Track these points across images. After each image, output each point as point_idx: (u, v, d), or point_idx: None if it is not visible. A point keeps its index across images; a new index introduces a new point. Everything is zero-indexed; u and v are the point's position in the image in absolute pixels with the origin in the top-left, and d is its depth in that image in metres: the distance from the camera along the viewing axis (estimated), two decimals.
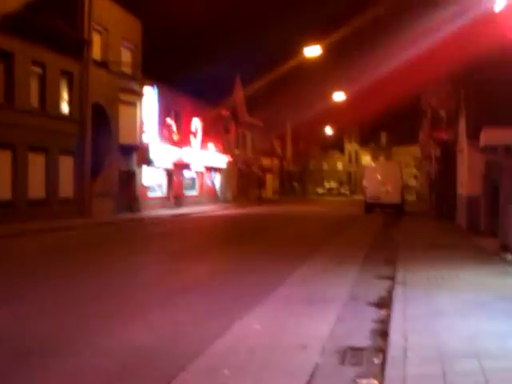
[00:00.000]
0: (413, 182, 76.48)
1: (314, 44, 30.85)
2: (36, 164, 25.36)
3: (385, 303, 8.87)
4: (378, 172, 35.69)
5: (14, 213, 23.60)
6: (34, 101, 25.65)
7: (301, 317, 8.09)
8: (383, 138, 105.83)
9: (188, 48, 47.00)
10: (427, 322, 7.11)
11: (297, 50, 32.87)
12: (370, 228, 24.90)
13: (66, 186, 27.34)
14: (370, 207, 35.21)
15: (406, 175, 52.60)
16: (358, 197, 66.77)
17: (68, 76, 27.74)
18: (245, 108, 57.89)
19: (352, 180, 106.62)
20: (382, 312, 8.35)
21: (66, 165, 27.42)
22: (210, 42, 57.39)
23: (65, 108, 27.87)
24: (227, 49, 56.24)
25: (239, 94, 55.25)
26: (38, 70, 25.73)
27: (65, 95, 27.86)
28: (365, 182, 35.84)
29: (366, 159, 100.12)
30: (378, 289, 10.16)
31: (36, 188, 25.29)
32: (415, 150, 76.89)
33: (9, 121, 23.64)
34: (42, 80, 26.01)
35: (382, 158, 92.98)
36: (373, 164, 42.88)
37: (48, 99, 26.29)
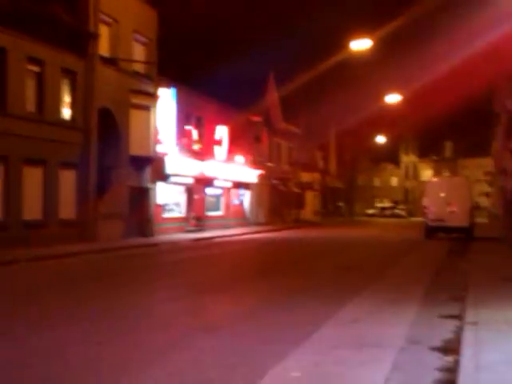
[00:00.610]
0: (484, 202, 75.67)
1: (363, 36, 30.69)
2: (32, 179, 25.67)
3: (451, 348, 8.72)
4: (441, 189, 35.36)
5: (6, 237, 23.86)
6: (30, 105, 26.01)
7: (348, 364, 7.96)
8: (447, 148, 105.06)
9: (212, 43, 47.45)
10: (504, 372, 6.93)
11: (342, 43, 32.85)
12: (431, 257, 24.60)
13: (68, 206, 27.61)
14: (432, 231, 34.87)
15: (475, 193, 52.03)
16: (417, 218, 66.27)
17: (70, 75, 28.14)
18: (280, 113, 58.05)
19: (409, 198, 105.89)
20: (448, 359, 8.20)
21: (68, 180, 27.72)
22: (237, 35, 57.81)
23: (66, 113, 28.23)
24: (258, 43, 56.55)
25: (273, 97, 55.48)
26: (34, 68, 26.13)
27: (66, 98, 28.24)
28: (425, 201, 35.53)
29: (427, 174, 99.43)
30: (443, 330, 10.00)
31: (32, 208, 25.57)
32: (487, 163, 76.21)
33: (0, 128, 24.01)
34: (40, 80, 26.39)
35: (446, 173, 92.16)
36: (435, 179, 42.44)
37: (46, 103, 26.66)
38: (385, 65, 63.22)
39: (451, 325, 10.38)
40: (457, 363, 7.59)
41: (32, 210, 25.56)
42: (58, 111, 27.49)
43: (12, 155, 24.57)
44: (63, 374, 7.49)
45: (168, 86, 35.12)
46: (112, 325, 10.51)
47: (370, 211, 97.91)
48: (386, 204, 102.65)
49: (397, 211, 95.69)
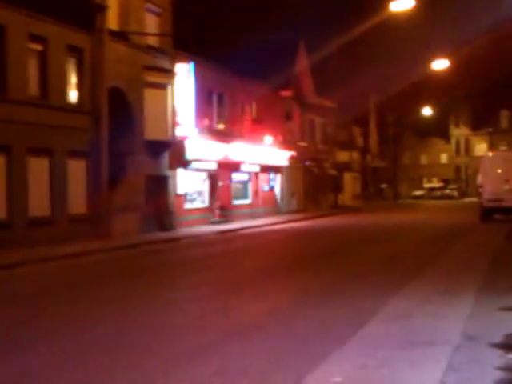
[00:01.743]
0: None
1: None
2: (38, 171, 25.85)
3: None
4: (498, 165, 35.01)
5: (11, 236, 24.07)
6: (33, 88, 26.15)
7: (396, 366, 7.94)
8: (503, 118, 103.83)
9: (233, 10, 47.34)
10: None
11: (380, 2, 32.54)
12: (488, 243, 24.42)
13: (78, 199, 27.77)
14: (488, 213, 34.57)
15: None
16: (471, 199, 65.84)
17: (77, 53, 28.22)
18: (312, 86, 57.82)
19: (462, 177, 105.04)
20: (510, 356, 8.12)
21: (77, 171, 27.86)
22: (262, 1, 57.63)
23: (73, 96, 28.35)
24: (285, 7, 56.31)
25: (303, 68, 55.22)
26: (37, 46, 26.25)
27: (73, 79, 28.34)
28: (480, 179, 35.23)
29: (481, 148, 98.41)
30: (504, 325, 9.92)
31: (39, 203, 25.74)
32: None
33: (0, 115, 24.17)
34: (43, 60, 26.49)
35: (503, 146, 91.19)
36: (491, 154, 42.02)
37: (51, 85, 26.78)
38: (430, 26, 62.68)
39: (511, 318, 10.29)
40: None
41: (39, 205, 25.69)
42: (64, 94, 27.58)
43: (15, 145, 24.71)
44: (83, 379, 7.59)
45: (186, 60, 35.13)
46: (133, 330, 10.59)
47: (418, 193, 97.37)
48: (435, 184, 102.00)
49: (447, 191, 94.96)
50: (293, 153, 50.92)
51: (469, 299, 12.08)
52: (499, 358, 8.17)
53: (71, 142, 27.47)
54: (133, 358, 8.71)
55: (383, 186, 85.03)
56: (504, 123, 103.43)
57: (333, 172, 62.68)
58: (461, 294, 12.64)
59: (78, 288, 16.09)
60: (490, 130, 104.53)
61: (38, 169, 25.85)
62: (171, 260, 22.93)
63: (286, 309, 12.04)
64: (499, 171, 34.45)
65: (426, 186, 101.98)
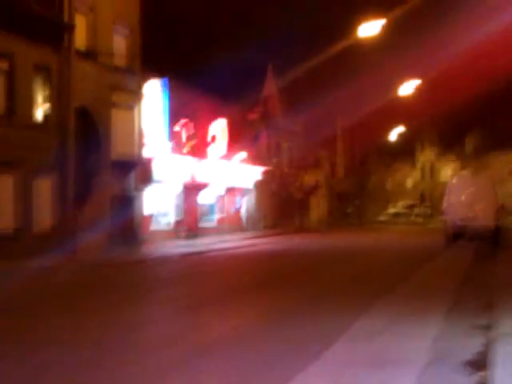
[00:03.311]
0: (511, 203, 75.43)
1: (372, 19, 30.59)
2: (2, 188, 25.67)
3: (483, 363, 8.62)
4: (463, 189, 35.22)
5: None
6: (0, 105, 25.99)
7: None
8: (469, 143, 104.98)
9: (203, 31, 47.44)
10: None
11: (349, 26, 32.81)
12: (455, 265, 24.53)
13: (43, 216, 27.56)
14: (453, 238, 34.69)
15: (501, 194, 51.90)
16: (435, 224, 66.21)
17: (44, 72, 28.14)
18: (280, 108, 58.05)
19: (427, 201, 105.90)
20: (480, 375, 8.12)
21: (43, 188, 27.68)
22: (232, 21, 57.78)
23: (40, 114, 28.20)
24: (255, 30, 56.62)
25: (272, 89, 55.49)
26: (3, 64, 26.13)
27: (40, 97, 28.20)
28: (445, 204, 35.43)
29: (446, 173, 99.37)
30: (473, 343, 9.93)
31: (2, 219, 25.54)
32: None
33: None
34: (10, 77, 26.39)
35: (466, 170, 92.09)
36: (455, 179, 42.33)
37: (18, 103, 26.64)
38: (396, 52, 63.31)
39: (482, 337, 10.30)
40: (489, 380, 7.52)
41: (2, 221, 25.51)
42: (30, 112, 27.47)
43: None
44: None
45: (155, 79, 35.08)
46: (92, 347, 10.42)
47: (383, 217, 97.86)
48: (400, 209, 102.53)
49: (412, 216, 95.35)
50: (260, 175, 50.97)
51: (438, 318, 12.10)
52: (468, 376, 8.17)
53: (37, 160, 27.31)
54: (93, 376, 8.55)
55: (349, 210, 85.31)
56: (469, 148, 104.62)
57: (299, 195, 62.80)
58: (430, 314, 12.65)
59: (41, 305, 15.83)
60: (455, 155, 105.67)
61: (3, 185, 25.70)
62: (136, 279, 22.75)
63: (254, 327, 11.93)
64: (463, 196, 34.66)
65: (391, 210, 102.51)
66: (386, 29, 30.52)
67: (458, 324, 11.54)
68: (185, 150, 39.74)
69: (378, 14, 30.49)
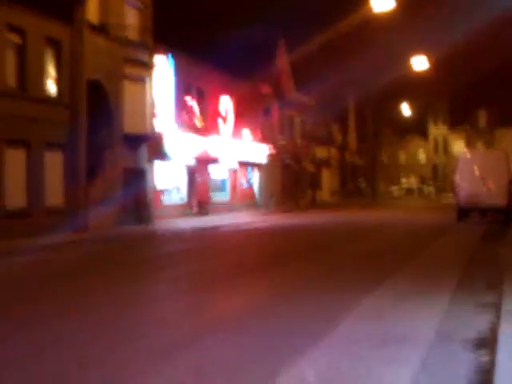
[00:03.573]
0: None
1: None
2: (14, 163, 25.72)
3: (487, 342, 8.65)
4: (475, 164, 35.08)
5: None
6: (11, 79, 26.02)
7: (370, 364, 7.90)
8: (481, 117, 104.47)
9: (213, 4, 47.18)
10: None
11: (361, 1, 32.61)
12: (464, 242, 24.49)
13: (55, 192, 27.65)
14: (465, 213, 34.65)
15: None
16: (448, 199, 66.18)
17: (55, 45, 28.12)
18: (291, 82, 57.83)
19: (439, 176, 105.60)
20: (484, 354, 8.15)
21: (54, 163, 27.75)
22: None
23: (51, 88, 28.21)
24: (267, 3, 56.24)
25: (283, 64, 55.25)
26: (15, 38, 26.11)
27: (51, 71, 28.20)
28: (457, 179, 35.30)
29: (459, 146, 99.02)
30: (478, 322, 9.93)
31: (14, 195, 25.64)
32: None
33: None
34: (21, 52, 26.38)
35: (480, 146, 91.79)
36: (468, 153, 42.18)
37: (29, 77, 26.64)
38: (409, 26, 62.78)
39: (488, 316, 10.29)
40: (493, 359, 7.55)
41: (15, 197, 25.61)
42: (42, 86, 27.47)
43: None
44: (55, 375, 7.51)
45: (165, 54, 35.01)
46: (105, 325, 10.50)
47: (395, 191, 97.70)
48: (413, 182, 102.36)
49: (425, 190, 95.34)
50: (271, 149, 50.93)
51: (444, 297, 12.11)
52: (472, 356, 8.18)
53: (49, 135, 27.37)
54: (107, 353, 8.65)
55: (361, 182, 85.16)
56: (482, 122, 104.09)
57: (311, 168, 62.76)
58: (436, 293, 12.67)
59: (51, 281, 15.98)
60: (468, 128, 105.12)
61: (15, 161, 25.75)
62: (147, 254, 22.86)
63: (261, 305, 11.98)
64: (476, 171, 34.51)
65: (404, 184, 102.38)
66: (399, 4, 30.29)
67: (464, 302, 11.53)
68: (197, 124, 39.71)
69: None
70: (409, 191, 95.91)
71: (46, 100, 27.60)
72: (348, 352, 8.47)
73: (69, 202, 28.26)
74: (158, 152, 34.65)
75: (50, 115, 27.48)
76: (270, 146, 50.73)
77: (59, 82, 28.34)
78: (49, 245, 23.14)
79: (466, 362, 7.99)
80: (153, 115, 33.94)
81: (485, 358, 7.99)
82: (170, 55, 35.21)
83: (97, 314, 11.30)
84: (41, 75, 27.37)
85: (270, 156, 50.73)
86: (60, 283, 15.49)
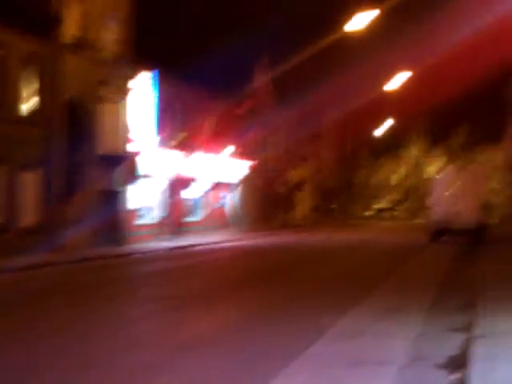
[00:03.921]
0: (496, 199, 75.60)
1: (362, 10, 30.44)
2: None
3: (459, 365, 8.69)
4: (448, 186, 35.23)
5: None
6: None
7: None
8: (455, 140, 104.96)
9: (196, 22, 47.25)
10: None
11: (341, 19, 32.67)
12: (437, 263, 24.60)
13: (30, 212, 27.47)
14: (437, 234, 34.78)
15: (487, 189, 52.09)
16: (421, 219, 66.56)
17: (32, 64, 27.97)
18: (271, 101, 57.82)
19: (412, 197, 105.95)
20: (456, 377, 8.21)
21: (30, 183, 27.58)
22: (225, 15, 57.47)
23: (28, 107, 28.07)
24: (248, 25, 56.37)
25: (261, 84, 55.26)
26: None
27: (28, 90, 28.07)
28: (430, 200, 35.46)
29: (432, 169, 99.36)
30: (450, 345, 10.01)
31: None
32: (499, 157, 76.35)
33: None
34: None
35: (452, 165, 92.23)
36: (441, 175, 42.39)
37: (5, 96, 26.53)
38: (384, 46, 63.22)
39: (460, 338, 10.37)
40: (466, 380, 7.65)
41: None
42: (18, 105, 27.34)
43: None
44: None
45: (146, 72, 34.93)
46: (80, 345, 10.49)
47: (368, 213, 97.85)
48: (385, 204, 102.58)
49: (397, 212, 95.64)
50: (248, 167, 50.89)
51: (417, 319, 12.18)
52: (445, 378, 8.26)
53: (24, 154, 27.20)
54: (83, 374, 8.65)
55: (333, 206, 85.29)
56: (456, 145, 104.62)
57: (285, 190, 62.77)
58: (409, 313, 12.75)
59: (27, 303, 15.89)
60: (442, 151, 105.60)
61: None
62: (121, 275, 22.78)
63: (236, 326, 12.01)
64: (449, 193, 34.71)
65: (377, 206, 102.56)
66: (375, 22, 30.44)
67: (437, 324, 11.61)
68: (173, 144, 39.67)
69: (367, 6, 30.42)
70: (381, 213, 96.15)
71: (23, 119, 27.47)
72: (322, 372, 8.52)
73: (45, 221, 28.08)
74: (132, 173, 34.52)
75: (27, 135, 27.34)
76: (249, 164, 50.73)
77: (36, 101, 28.22)
78: (23, 265, 22.91)
79: (439, 382, 8.10)
80: (128, 136, 33.85)
81: (458, 379, 8.10)
82: (150, 74, 35.17)
83: (63, 337, 11.21)
84: (17, 94, 27.23)
85: (249, 169, 50.69)
86: (40, 302, 15.42)
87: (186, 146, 40.79)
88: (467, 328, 10.92)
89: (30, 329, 11.98)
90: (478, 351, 8.88)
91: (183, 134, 40.55)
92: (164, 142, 38.14)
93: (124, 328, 12.13)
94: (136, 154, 34.54)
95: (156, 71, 35.43)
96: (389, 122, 78.51)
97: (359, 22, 30.35)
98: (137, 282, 20.35)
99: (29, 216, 27.40)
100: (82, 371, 8.80)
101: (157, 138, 36.73)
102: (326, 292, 16.54)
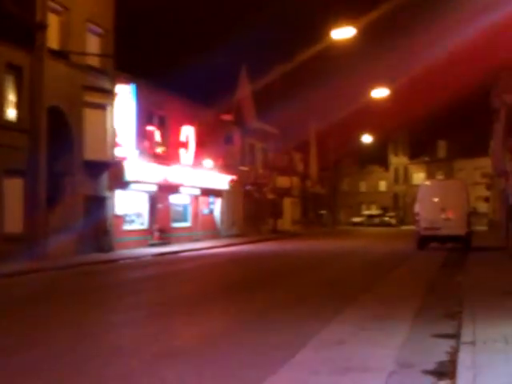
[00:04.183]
0: (482, 207, 76.29)
1: (345, 25, 30.73)
2: None
3: (446, 371, 8.72)
4: (434, 193, 35.50)
5: None
6: None
7: None
8: (441, 148, 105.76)
9: (177, 34, 47.32)
10: None
11: (321, 32, 32.91)
12: (424, 270, 24.69)
13: (14, 219, 27.32)
14: (425, 241, 34.99)
15: (472, 197, 52.48)
16: (408, 227, 66.81)
17: (15, 71, 27.92)
18: (253, 111, 58.11)
19: (400, 204, 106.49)
20: (444, 382, 8.21)
21: (13, 189, 27.45)
22: (206, 23, 57.71)
23: (11, 114, 27.99)
24: (229, 32, 56.59)
25: (245, 93, 55.52)
26: None
27: (11, 97, 28.00)
28: (417, 207, 35.65)
29: (419, 177, 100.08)
30: (437, 352, 10.00)
31: None
32: (485, 164, 76.98)
33: None
34: None
35: (439, 175, 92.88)
36: (428, 183, 42.68)
37: None
38: (370, 57, 63.72)
39: (446, 345, 10.39)
40: None
41: None
42: (1, 112, 27.22)
43: None
44: None
45: (127, 82, 34.99)
46: (64, 352, 10.37)
47: (356, 219, 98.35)
48: (374, 211, 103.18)
49: (385, 219, 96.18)
50: (233, 177, 50.99)
51: (404, 326, 12.17)
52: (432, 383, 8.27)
53: (8, 161, 27.11)
54: (65, 382, 8.53)
55: (322, 212, 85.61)
56: (441, 153, 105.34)
57: (272, 197, 62.92)
58: (396, 321, 12.72)
59: (8, 310, 15.76)
60: (428, 159, 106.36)
61: None
62: (107, 282, 22.66)
63: (220, 333, 11.93)
64: (435, 200, 34.91)
65: (365, 213, 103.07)
66: (359, 35, 30.65)
67: (422, 332, 11.59)
68: (158, 152, 39.66)
69: (351, 19, 30.63)
70: (370, 220, 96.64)
71: (6, 126, 27.34)
72: (307, 380, 8.48)
73: (28, 229, 27.94)
74: (118, 179, 34.50)
75: (10, 141, 27.23)
76: (232, 173, 50.78)
77: (19, 107, 28.13)
78: (7, 272, 22.80)
79: None
80: (114, 142, 33.81)
81: None
82: (131, 83, 35.17)
83: (41, 344, 11.12)
84: (0, 101, 27.14)
85: (232, 183, 50.77)
86: (24, 310, 15.29)
87: (169, 155, 40.74)
88: (451, 337, 10.93)
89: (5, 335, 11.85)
90: (466, 358, 8.84)
91: (164, 144, 40.55)
92: (147, 151, 38.02)
93: (106, 334, 12.02)
94: (123, 159, 34.45)
95: (137, 81, 35.34)
96: (373, 132, 78.97)
97: (341, 34, 30.48)
98: (122, 289, 20.22)
99: (13, 223, 27.23)
100: (56, 379, 8.67)
101: (140, 147, 36.57)
102: (311, 300, 16.50)
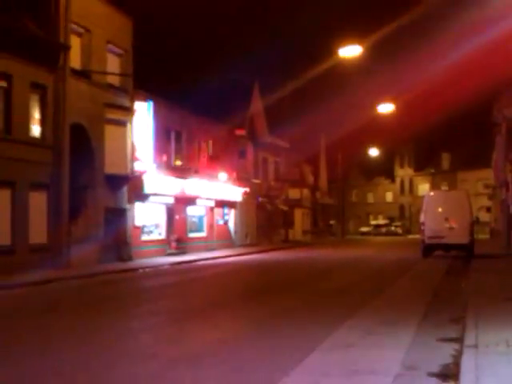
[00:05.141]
0: (484, 217, 76.01)
1: (353, 43, 30.84)
2: (0, 202, 25.54)
3: (450, 374, 8.71)
4: (439, 203, 35.45)
5: None
6: None
7: None
8: (445, 160, 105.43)
9: (192, 53, 47.59)
10: None
11: (330, 50, 33.02)
12: (429, 277, 24.63)
13: (39, 230, 27.45)
14: (429, 249, 34.92)
15: (475, 207, 52.31)
16: (414, 236, 66.59)
17: (40, 90, 28.11)
18: (265, 125, 58.18)
19: (406, 215, 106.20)
20: None
21: (38, 202, 27.60)
22: (219, 43, 57.96)
23: (36, 131, 28.16)
24: (242, 52, 56.85)
25: (258, 108, 55.61)
26: (2, 83, 26.08)
27: (36, 114, 28.18)
28: (422, 217, 35.59)
29: (424, 188, 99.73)
30: (442, 355, 9.98)
31: (0, 233, 25.42)
32: (487, 175, 76.71)
33: None
34: (7, 95, 26.32)
35: (444, 186, 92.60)
36: (432, 193, 42.60)
37: (15, 120, 26.56)
38: (376, 73, 63.75)
39: (451, 348, 10.37)
40: None
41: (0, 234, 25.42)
42: (27, 129, 27.40)
43: None
44: None
45: (145, 99, 35.15)
46: (86, 358, 10.42)
47: (364, 229, 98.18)
48: (381, 221, 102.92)
49: (392, 229, 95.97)
50: (246, 189, 51.05)
51: (410, 330, 12.16)
52: None
53: (33, 175, 27.27)
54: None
55: (332, 222, 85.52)
56: (445, 165, 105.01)
57: (284, 208, 62.90)
58: (402, 326, 12.71)
59: (34, 316, 15.83)
60: (432, 171, 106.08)
61: (1, 200, 25.57)
62: (128, 290, 22.73)
63: (234, 337, 11.96)
64: (440, 210, 34.86)
65: (372, 222, 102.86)
66: (365, 52, 30.75)
67: (427, 336, 11.58)
68: (175, 166, 39.79)
69: (357, 38, 30.79)
70: (377, 229, 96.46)
71: (31, 142, 27.52)
72: (319, 381, 8.48)
73: (52, 240, 28.10)
74: (138, 192, 34.65)
75: (35, 157, 27.40)
76: (245, 186, 50.85)
77: (43, 124, 28.30)
78: (31, 281, 22.91)
79: None
80: (133, 157, 33.97)
81: None
82: (149, 100, 35.32)
83: (59, 348, 11.18)
84: (26, 118, 27.32)
85: (245, 195, 50.83)
86: (48, 317, 15.35)
87: (185, 169, 40.85)
88: (456, 340, 10.92)
89: (26, 342, 11.92)
90: (469, 361, 8.83)
91: (181, 158, 40.67)
92: (164, 166, 38.14)
93: (122, 340, 12.05)
94: (142, 173, 34.59)
95: (154, 98, 35.48)
96: (379, 145, 78.93)
97: (349, 52, 30.59)
98: (142, 296, 20.29)
99: (37, 234, 27.38)
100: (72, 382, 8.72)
101: (157, 161, 36.69)
102: (322, 306, 16.52)
